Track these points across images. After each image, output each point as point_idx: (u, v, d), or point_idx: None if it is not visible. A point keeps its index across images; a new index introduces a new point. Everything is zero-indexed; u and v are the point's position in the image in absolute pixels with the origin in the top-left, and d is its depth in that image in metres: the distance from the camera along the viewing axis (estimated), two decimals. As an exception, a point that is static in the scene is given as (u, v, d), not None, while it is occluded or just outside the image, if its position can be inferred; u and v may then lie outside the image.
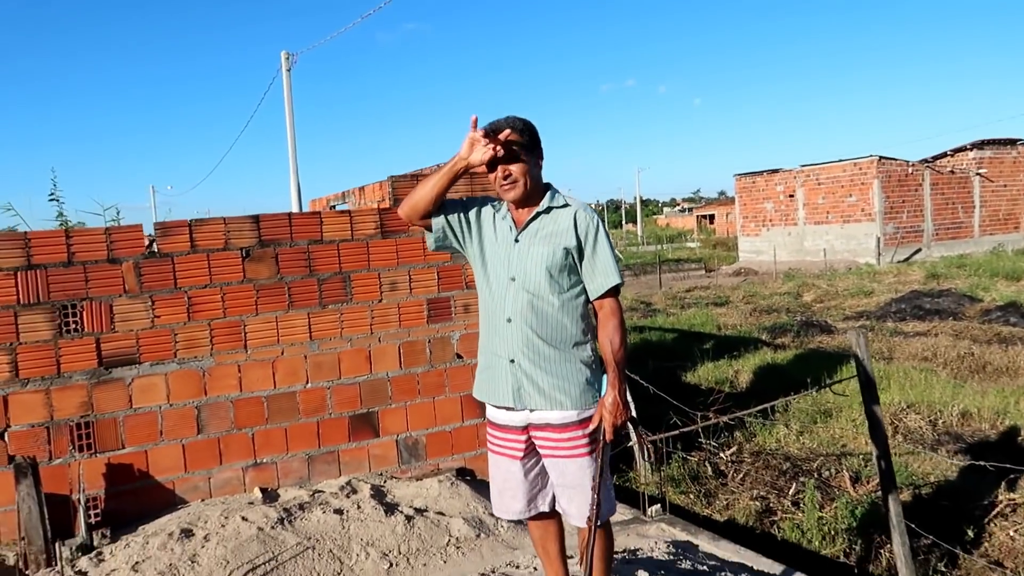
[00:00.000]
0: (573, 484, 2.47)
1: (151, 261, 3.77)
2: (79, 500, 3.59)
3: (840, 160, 24.79)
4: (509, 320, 2.48)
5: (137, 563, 3.25)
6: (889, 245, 23.40)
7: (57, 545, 3.30)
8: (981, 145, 25.48)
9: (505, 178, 2.46)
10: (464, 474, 4.38)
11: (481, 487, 4.30)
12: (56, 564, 3.26)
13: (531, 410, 2.47)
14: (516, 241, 2.51)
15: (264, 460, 4.00)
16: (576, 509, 2.48)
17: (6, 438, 3.54)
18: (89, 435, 3.66)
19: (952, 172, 25.06)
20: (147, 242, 3.82)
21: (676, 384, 8.39)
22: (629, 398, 2.44)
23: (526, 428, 2.50)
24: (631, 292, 19.07)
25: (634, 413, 2.33)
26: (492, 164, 2.45)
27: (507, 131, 2.38)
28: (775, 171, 27.29)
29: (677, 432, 4.59)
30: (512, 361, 2.48)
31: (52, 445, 3.61)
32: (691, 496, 5.04)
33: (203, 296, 3.87)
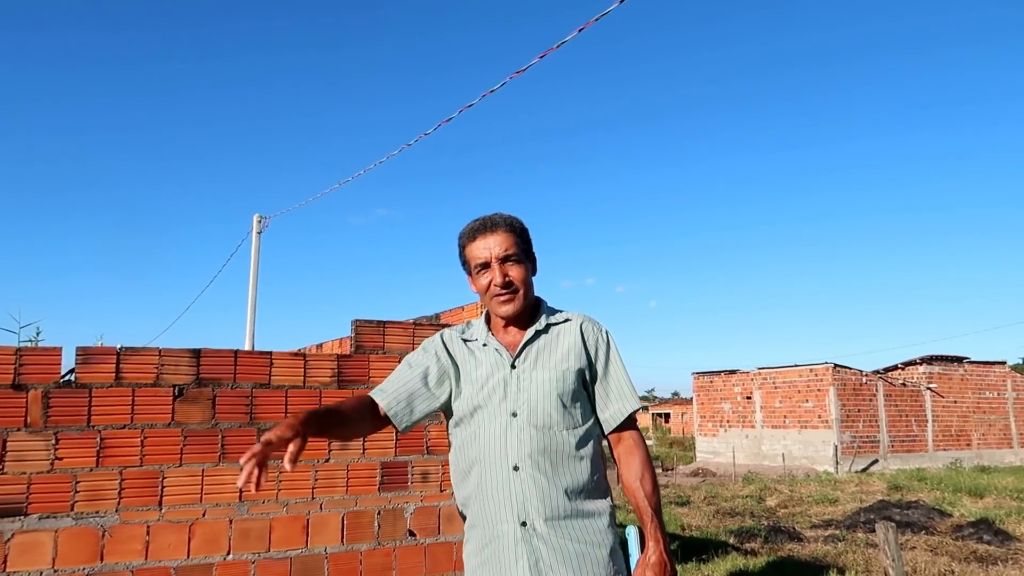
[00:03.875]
0: None
1: (64, 391, 3.22)
2: None
3: (796, 365, 25.15)
4: (516, 468, 1.92)
5: None
6: (847, 454, 23.18)
7: None
8: (931, 360, 26.19)
9: (505, 286, 1.99)
10: None
11: None
12: None
13: None
14: (513, 368, 2.01)
15: (160, 650, 3.23)
16: None
17: None
18: (-59, 604, 2.92)
19: (904, 385, 25.50)
20: (63, 371, 3.29)
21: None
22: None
23: None
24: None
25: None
26: (484, 266, 2.02)
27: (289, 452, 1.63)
28: (733, 372, 27.51)
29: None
30: (524, 524, 1.89)
31: None
32: None
33: (119, 438, 3.29)
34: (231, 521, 3.44)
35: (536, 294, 2.15)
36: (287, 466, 1.60)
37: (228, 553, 3.42)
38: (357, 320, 3.94)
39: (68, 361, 3.31)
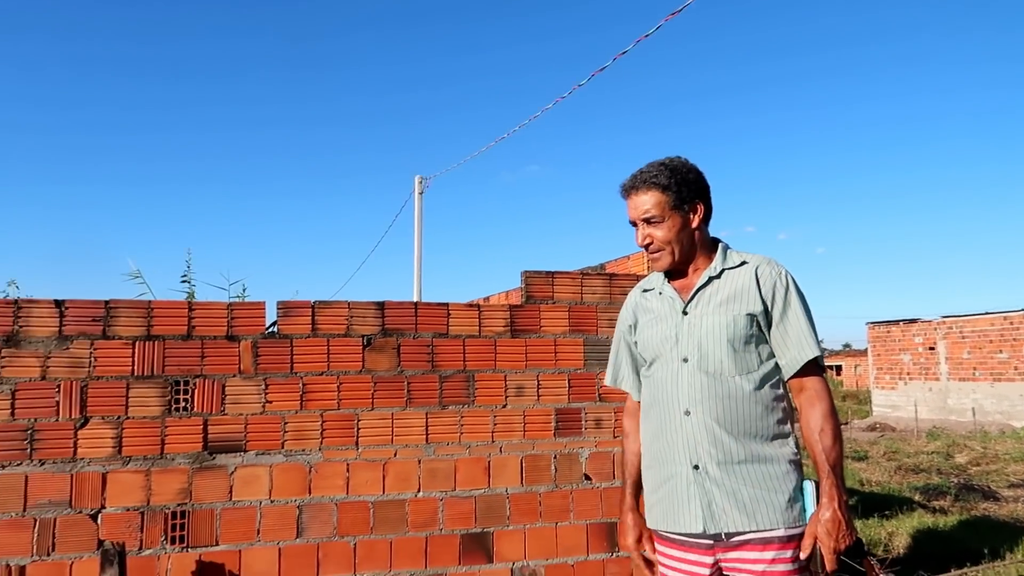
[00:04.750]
0: None
1: (269, 341, 3.55)
2: (161, 600, 3.23)
3: (988, 313, 22.99)
4: (687, 413, 1.93)
5: None
6: (1050, 409, 21.03)
7: (130, 650, 2.92)
8: None
9: (647, 246, 2.03)
10: (586, 618, 3.73)
11: (607, 636, 3.64)
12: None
13: (725, 534, 1.89)
14: (684, 314, 2.00)
15: (363, 576, 3.53)
16: None
17: (99, 520, 3.27)
18: (183, 526, 3.34)
19: (1122, 332, 22.65)
20: (267, 323, 3.62)
21: (820, 541, 7.36)
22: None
23: (713, 548, 1.93)
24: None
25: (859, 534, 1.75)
26: (633, 224, 2.03)
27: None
28: (912, 321, 25.60)
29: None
30: (696, 467, 1.91)
31: (144, 533, 3.30)
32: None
33: (318, 384, 3.58)
34: (419, 461, 3.67)
35: (715, 236, 2.11)
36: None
37: (419, 491, 3.66)
38: (527, 271, 4.03)
39: (271, 314, 3.63)
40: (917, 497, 10.10)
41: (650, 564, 2.12)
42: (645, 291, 2.18)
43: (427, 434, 3.70)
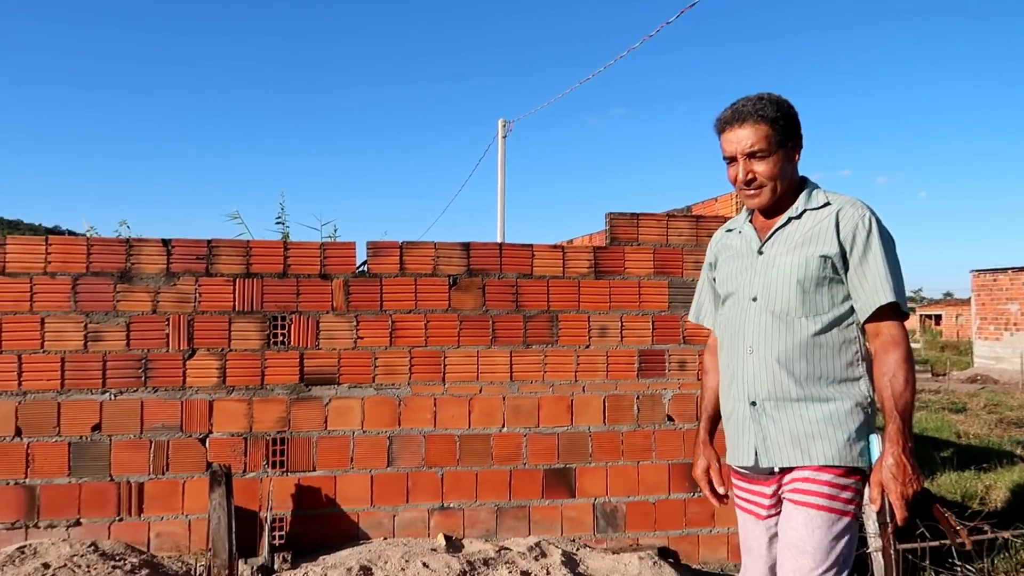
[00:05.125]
0: (791, 543, 1.86)
1: (360, 280, 3.67)
2: (266, 519, 3.46)
3: (1109, 260, 21.38)
4: (751, 351, 1.96)
5: (311, 595, 3.01)
6: None
7: (240, 562, 3.15)
8: None
9: (748, 183, 1.97)
10: (666, 555, 3.79)
11: (688, 574, 3.69)
12: (234, 582, 3.10)
13: (778, 469, 1.92)
14: (760, 253, 1.99)
15: (451, 505, 3.68)
16: None
17: (207, 444, 3.51)
18: (283, 452, 3.55)
19: None
20: (358, 263, 3.74)
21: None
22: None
23: (772, 477, 1.96)
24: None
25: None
26: (732, 159, 1.98)
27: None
28: (1022, 269, 24.09)
29: (940, 544, 3.71)
30: (753, 404, 1.95)
31: (247, 457, 3.53)
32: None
33: (406, 321, 3.70)
34: (504, 398, 3.76)
35: (803, 175, 2.05)
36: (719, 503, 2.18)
37: (503, 426, 3.76)
38: (611, 213, 3.99)
39: (360, 254, 3.75)
40: (1019, 451, 9.67)
41: (718, 495, 2.16)
42: (728, 230, 2.20)
43: (511, 372, 3.78)
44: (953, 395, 16.57)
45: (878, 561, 4.20)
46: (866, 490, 1.89)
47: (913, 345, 38.97)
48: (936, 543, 3.68)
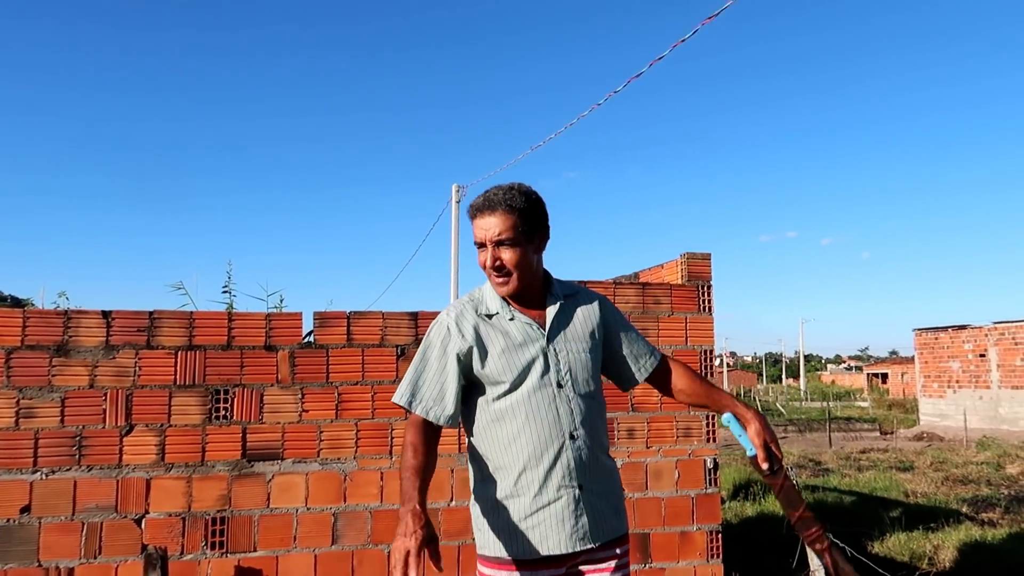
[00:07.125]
0: None
1: (306, 351, 3.63)
2: (202, 603, 3.32)
3: (1042, 319, 22.28)
4: (573, 437, 2.03)
5: None
6: (1108, 419, 20.31)
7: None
8: None
9: (496, 269, 2.02)
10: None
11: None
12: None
13: (600, 543, 2.08)
14: (548, 340, 2.07)
15: (397, 583, 3.58)
16: None
17: (143, 525, 3.38)
18: (223, 532, 3.44)
19: None
20: (304, 333, 3.70)
21: (863, 554, 7.22)
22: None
23: (564, 561, 2.07)
24: (796, 448, 17.48)
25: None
26: (481, 245, 2.04)
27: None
28: (962, 327, 24.94)
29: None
30: (581, 487, 2.05)
31: (185, 538, 3.40)
32: None
33: (353, 393, 3.65)
34: (452, 470, 3.72)
35: (545, 267, 2.16)
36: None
37: (451, 500, 3.70)
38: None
39: (307, 324, 3.72)
40: (965, 509, 9.84)
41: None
42: (489, 316, 2.09)
43: (459, 444, 3.75)
44: (901, 453, 16.87)
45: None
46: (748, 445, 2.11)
47: (861, 404, 39.70)
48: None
